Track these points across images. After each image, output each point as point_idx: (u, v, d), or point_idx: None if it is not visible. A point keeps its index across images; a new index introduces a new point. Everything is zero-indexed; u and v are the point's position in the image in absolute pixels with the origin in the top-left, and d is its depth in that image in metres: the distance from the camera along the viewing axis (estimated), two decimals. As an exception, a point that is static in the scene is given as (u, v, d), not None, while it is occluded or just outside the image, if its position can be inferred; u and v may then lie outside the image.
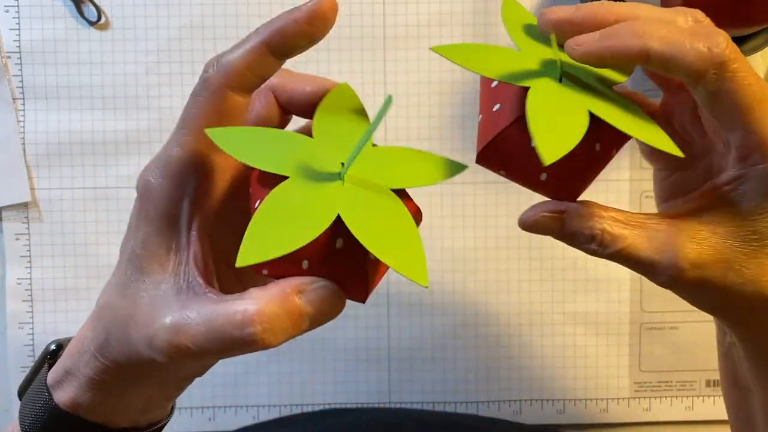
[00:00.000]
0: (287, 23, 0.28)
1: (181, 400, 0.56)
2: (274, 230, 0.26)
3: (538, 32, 0.31)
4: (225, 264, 0.31)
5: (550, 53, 0.30)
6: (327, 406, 0.56)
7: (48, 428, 0.32)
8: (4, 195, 0.54)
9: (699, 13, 0.30)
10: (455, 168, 0.31)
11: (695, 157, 0.33)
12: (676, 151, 0.27)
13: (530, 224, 0.30)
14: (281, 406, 0.56)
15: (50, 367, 0.33)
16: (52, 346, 0.34)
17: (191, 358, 0.27)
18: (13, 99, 0.54)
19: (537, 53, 0.30)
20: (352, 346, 0.56)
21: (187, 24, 0.54)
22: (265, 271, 0.28)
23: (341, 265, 0.28)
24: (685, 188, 0.33)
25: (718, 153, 0.31)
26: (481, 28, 0.55)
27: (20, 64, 0.54)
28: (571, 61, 0.29)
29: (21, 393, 0.35)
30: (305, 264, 0.27)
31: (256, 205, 0.28)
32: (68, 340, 0.34)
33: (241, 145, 0.29)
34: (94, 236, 0.55)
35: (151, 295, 0.28)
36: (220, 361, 0.55)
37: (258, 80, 0.29)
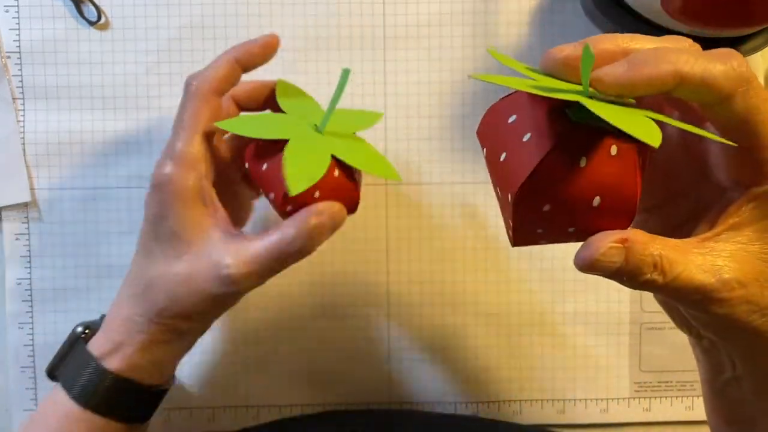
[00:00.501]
0: (251, 46, 0.42)
1: (181, 400, 0.56)
2: (301, 170, 0.38)
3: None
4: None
5: (561, 84, 0.29)
6: (327, 407, 0.56)
7: (103, 391, 0.40)
8: (4, 195, 0.54)
9: (689, 41, 0.30)
10: (388, 172, 0.42)
11: (678, 193, 0.33)
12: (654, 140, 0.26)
13: (594, 261, 0.27)
14: (281, 407, 0.56)
15: (86, 343, 0.42)
16: (79, 328, 0.45)
17: (257, 279, 0.38)
18: (13, 99, 0.54)
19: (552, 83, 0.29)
20: (352, 346, 0.56)
21: (187, 24, 0.54)
22: (289, 207, 0.40)
23: (339, 189, 0.40)
24: (669, 227, 0.33)
25: (710, 184, 0.31)
26: (481, 28, 0.55)
27: (20, 64, 0.54)
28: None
29: (53, 370, 0.45)
30: (317, 194, 0.40)
31: (264, 167, 0.41)
32: (93, 322, 0.45)
33: (245, 128, 0.41)
34: (94, 236, 0.55)
35: (205, 253, 0.39)
36: (220, 361, 0.55)
37: (229, 86, 0.41)
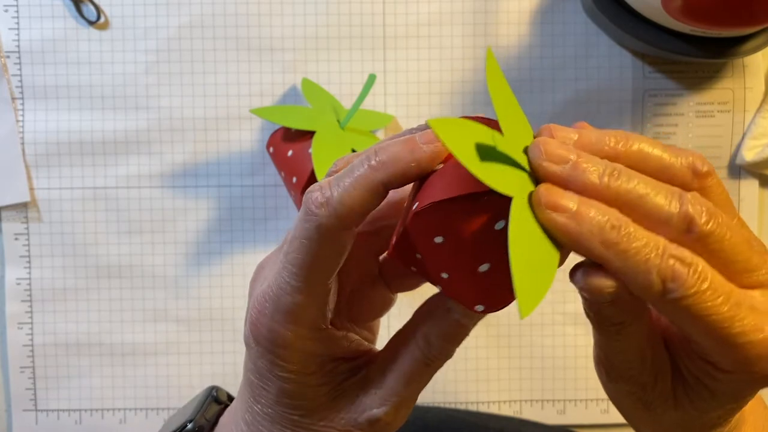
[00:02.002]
0: (410, 168, 0.25)
1: (181, 400, 0.55)
2: (327, 160, 0.48)
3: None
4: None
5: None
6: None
7: None
8: (4, 195, 0.54)
9: (698, 160, 0.25)
10: None
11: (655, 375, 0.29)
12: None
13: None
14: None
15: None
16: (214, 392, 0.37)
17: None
18: (12, 99, 0.54)
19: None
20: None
21: (186, 24, 0.54)
22: None
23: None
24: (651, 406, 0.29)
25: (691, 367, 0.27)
26: (481, 27, 0.55)
27: (19, 63, 0.53)
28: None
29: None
30: None
31: (290, 153, 0.50)
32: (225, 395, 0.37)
33: (276, 116, 0.49)
34: (93, 236, 0.54)
35: (332, 409, 0.29)
36: (220, 361, 0.55)
37: (364, 218, 0.26)
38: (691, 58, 0.51)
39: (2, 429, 0.56)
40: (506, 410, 0.56)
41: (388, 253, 0.28)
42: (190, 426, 0.35)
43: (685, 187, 0.24)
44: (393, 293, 0.33)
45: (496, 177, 0.23)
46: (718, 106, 0.56)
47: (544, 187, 0.24)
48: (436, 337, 0.28)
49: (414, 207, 0.25)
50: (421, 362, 0.28)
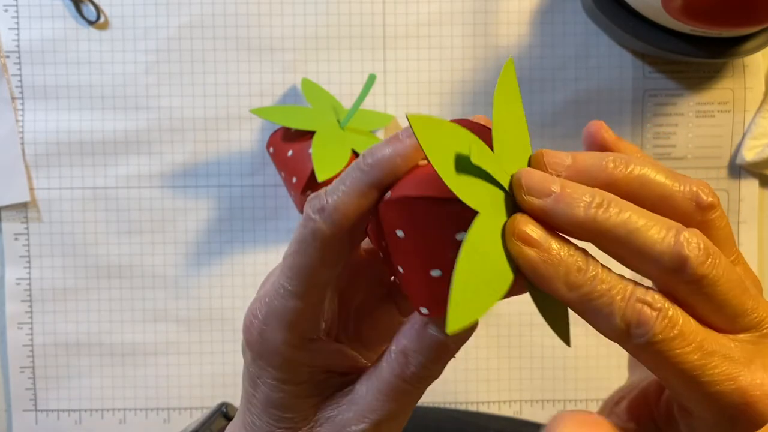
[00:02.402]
0: (397, 165, 0.25)
1: (181, 400, 0.56)
2: (327, 160, 0.48)
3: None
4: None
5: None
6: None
7: None
8: (3, 195, 0.54)
9: (704, 188, 0.24)
10: None
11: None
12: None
13: None
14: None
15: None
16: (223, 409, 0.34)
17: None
18: (12, 99, 0.54)
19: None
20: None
21: (186, 24, 0.54)
22: (309, 192, 0.47)
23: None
24: None
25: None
26: (481, 27, 0.55)
27: (19, 63, 0.53)
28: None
29: None
30: None
31: (289, 153, 0.50)
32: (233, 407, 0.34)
33: (276, 116, 0.49)
34: (93, 236, 0.54)
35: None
36: (220, 361, 0.55)
37: (364, 218, 0.27)
38: (691, 58, 0.51)
39: (2, 429, 0.56)
40: (506, 410, 0.56)
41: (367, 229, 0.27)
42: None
43: (686, 220, 0.23)
44: (403, 317, 0.32)
45: (466, 187, 0.22)
46: (718, 106, 0.56)
47: (519, 218, 0.23)
48: (413, 352, 0.27)
49: (386, 195, 0.25)
50: (399, 377, 0.27)
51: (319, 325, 0.28)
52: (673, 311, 0.22)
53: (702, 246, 0.22)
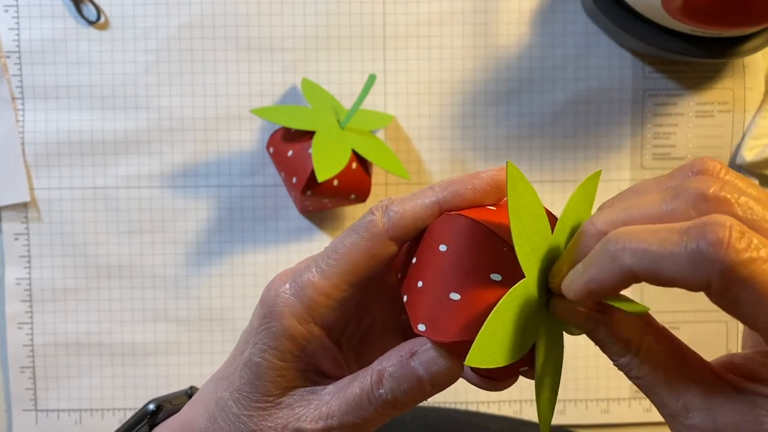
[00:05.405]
0: (466, 190, 0.28)
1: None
2: (326, 160, 0.48)
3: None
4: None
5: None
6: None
7: None
8: (3, 195, 0.54)
9: (709, 179, 0.23)
10: (399, 170, 0.51)
11: None
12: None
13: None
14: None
15: (151, 428, 0.34)
16: (151, 406, 0.35)
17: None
18: (12, 99, 0.54)
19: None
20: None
21: (186, 23, 0.54)
22: (309, 192, 0.50)
23: (356, 180, 0.50)
24: None
25: None
26: (481, 27, 0.55)
27: (19, 63, 0.53)
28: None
29: None
30: (336, 182, 0.50)
31: (290, 153, 0.50)
32: (164, 400, 0.35)
33: (276, 116, 0.49)
34: (93, 236, 0.54)
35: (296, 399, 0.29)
36: (220, 361, 0.55)
37: (416, 232, 0.29)
38: (691, 58, 0.51)
39: (2, 429, 0.56)
40: (506, 410, 0.56)
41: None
42: (151, 406, 0.34)
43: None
44: None
45: (525, 248, 0.24)
46: (718, 106, 0.56)
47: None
48: (390, 376, 0.27)
49: (456, 211, 0.27)
50: (366, 395, 0.27)
51: (329, 318, 0.28)
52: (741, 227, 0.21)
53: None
